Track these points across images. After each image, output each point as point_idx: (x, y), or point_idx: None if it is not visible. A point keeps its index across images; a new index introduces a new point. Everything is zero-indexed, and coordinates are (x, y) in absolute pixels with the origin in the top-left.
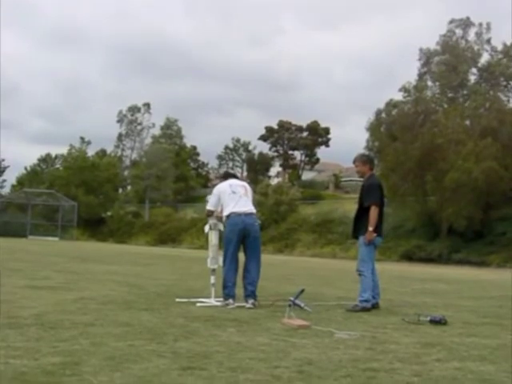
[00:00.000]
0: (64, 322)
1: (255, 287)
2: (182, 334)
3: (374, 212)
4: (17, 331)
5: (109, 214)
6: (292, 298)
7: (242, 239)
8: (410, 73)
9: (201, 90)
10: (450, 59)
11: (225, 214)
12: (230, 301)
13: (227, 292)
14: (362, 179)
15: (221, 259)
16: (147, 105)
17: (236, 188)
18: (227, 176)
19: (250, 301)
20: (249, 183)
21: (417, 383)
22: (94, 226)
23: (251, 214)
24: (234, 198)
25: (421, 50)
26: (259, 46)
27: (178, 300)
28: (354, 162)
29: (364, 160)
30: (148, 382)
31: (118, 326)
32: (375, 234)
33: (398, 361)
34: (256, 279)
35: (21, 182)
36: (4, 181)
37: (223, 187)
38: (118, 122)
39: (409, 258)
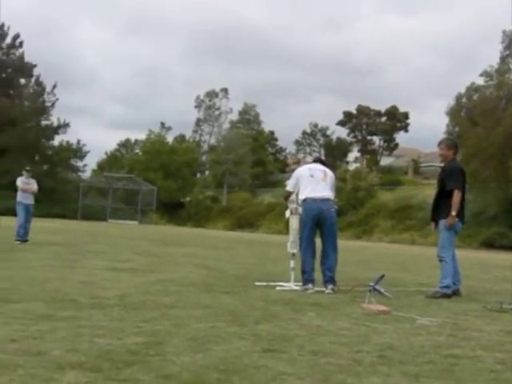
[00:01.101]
0: (146, 303)
1: (333, 273)
2: (263, 317)
3: (456, 196)
4: (100, 311)
5: (188, 199)
6: (372, 284)
7: (318, 224)
8: (491, 56)
9: (278, 75)
10: None
11: (301, 197)
12: (309, 285)
13: (306, 277)
14: (441, 164)
15: None
16: (225, 90)
17: (315, 172)
18: (315, 161)
19: (330, 286)
20: (332, 169)
21: (501, 371)
22: (172, 210)
23: (327, 199)
24: (311, 181)
25: (504, 32)
26: (337, 30)
27: (257, 283)
28: (439, 144)
29: (450, 144)
30: (230, 363)
31: (199, 308)
32: (457, 219)
33: (481, 348)
34: (334, 265)
35: (101, 167)
36: (85, 165)
37: (302, 170)
38: (196, 107)
39: (490, 245)
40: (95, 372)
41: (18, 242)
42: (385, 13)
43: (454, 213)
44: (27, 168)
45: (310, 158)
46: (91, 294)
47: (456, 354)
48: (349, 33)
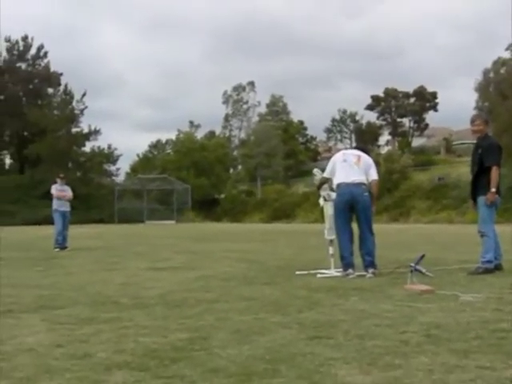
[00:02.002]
0: (188, 300)
1: (373, 257)
2: (306, 305)
3: (495, 173)
4: (143, 311)
5: (222, 195)
6: (413, 264)
7: (352, 209)
8: None
9: (303, 64)
10: None
11: (335, 182)
12: (350, 270)
13: (345, 262)
14: (474, 141)
15: None
16: (251, 83)
17: (348, 157)
18: (354, 148)
19: (370, 270)
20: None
21: None
22: (208, 206)
23: (360, 184)
24: (344, 166)
25: None
26: (359, 15)
27: (298, 273)
28: (475, 120)
29: (486, 119)
30: (276, 352)
31: (242, 301)
32: (497, 195)
33: None
34: (372, 249)
35: (134, 169)
36: (118, 169)
37: (337, 156)
38: (224, 102)
39: None
40: (142, 371)
41: (58, 249)
42: None
43: (494, 189)
44: (61, 175)
45: (341, 146)
46: (133, 294)
47: (503, 328)
48: (371, 16)
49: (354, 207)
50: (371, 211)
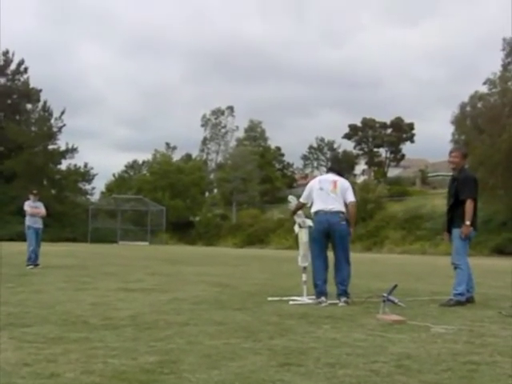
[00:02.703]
0: (159, 323)
1: (346, 286)
2: (277, 332)
3: (470, 205)
4: (113, 332)
5: (197, 218)
6: (385, 294)
7: (329, 237)
8: (493, 65)
9: (282, 90)
10: None
11: (312, 210)
12: (323, 298)
13: (318, 290)
14: (449, 173)
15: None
16: (230, 108)
17: (324, 184)
18: (329, 171)
19: (343, 299)
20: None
21: None
22: (182, 229)
23: (338, 212)
24: (320, 194)
25: (504, 39)
26: (338, 44)
27: (270, 299)
28: (452, 152)
29: (464, 153)
30: (246, 378)
31: (213, 325)
32: (471, 228)
33: (499, 354)
34: (346, 278)
35: (110, 189)
36: (93, 188)
37: (313, 183)
38: (203, 125)
39: (500, 251)
40: None
41: (31, 267)
42: (385, 24)
43: (468, 222)
44: (34, 191)
45: (317, 173)
46: (103, 315)
47: (474, 361)
48: (350, 46)
49: (331, 235)
50: (348, 240)
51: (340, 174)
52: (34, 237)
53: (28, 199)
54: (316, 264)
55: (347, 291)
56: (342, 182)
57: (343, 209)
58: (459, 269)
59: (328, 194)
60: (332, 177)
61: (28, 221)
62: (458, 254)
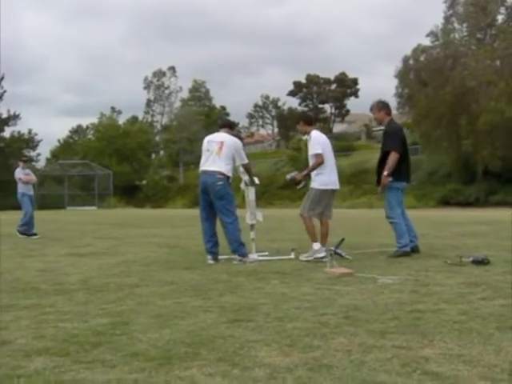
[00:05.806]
0: (110, 285)
1: (233, 246)
2: (227, 289)
3: (392, 157)
4: (64, 297)
5: (144, 182)
6: (333, 248)
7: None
8: (435, 17)
9: (226, 50)
10: None
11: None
12: (208, 257)
13: (206, 250)
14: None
15: (259, 214)
16: (172, 68)
17: (211, 145)
18: (222, 127)
19: (237, 258)
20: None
21: (464, 321)
22: (130, 193)
23: (214, 172)
24: (205, 155)
25: None
26: (280, 1)
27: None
28: (371, 109)
29: (379, 106)
30: (197, 335)
31: (163, 286)
32: (390, 179)
33: (444, 301)
34: (231, 237)
35: (55, 155)
36: (39, 155)
37: (203, 143)
38: (145, 88)
39: (446, 202)
40: (62, 356)
41: (37, 236)
42: None
43: (385, 173)
44: (24, 159)
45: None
46: (53, 280)
47: (419, 309)
48: (293, 3)
49: (210, 196)
50: (230, 200)
51: (231, 127)
52: (29, 203)
53: (17, 167)
54: (202, 226)
55: (237, 250)
56: (231, 143)
57: (223, 169)
58: (394, 222)
59: (212, 154)
60: (221, 137)
61: (22, 188)
62: (390, 206)
